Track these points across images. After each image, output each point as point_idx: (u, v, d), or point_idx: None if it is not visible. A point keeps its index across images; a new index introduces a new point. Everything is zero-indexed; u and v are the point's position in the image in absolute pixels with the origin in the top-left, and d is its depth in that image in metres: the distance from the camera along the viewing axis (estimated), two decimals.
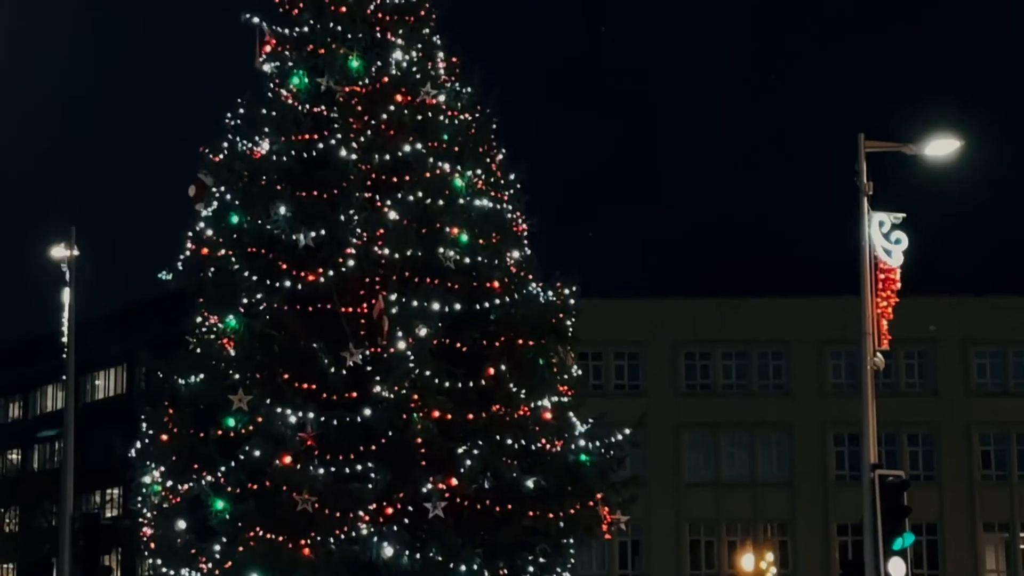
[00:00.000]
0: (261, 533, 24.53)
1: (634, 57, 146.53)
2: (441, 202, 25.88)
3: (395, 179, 26.21)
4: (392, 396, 24.54)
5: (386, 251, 25.59)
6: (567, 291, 26.64)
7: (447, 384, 25.01)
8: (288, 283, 25.59)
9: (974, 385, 71.62)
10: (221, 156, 26.76)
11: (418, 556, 24.57)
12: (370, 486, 24.62)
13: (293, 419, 24.69)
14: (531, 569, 25.53)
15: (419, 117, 26.69)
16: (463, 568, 24.59)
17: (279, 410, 24.69)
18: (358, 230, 25.56)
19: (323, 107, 26.70)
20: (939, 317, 68.87)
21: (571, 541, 25.91)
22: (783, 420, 70.43)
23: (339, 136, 26.19)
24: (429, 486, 24.46)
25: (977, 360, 71.86)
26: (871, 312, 27.47)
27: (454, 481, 24.61)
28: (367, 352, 25.04)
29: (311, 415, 24.76)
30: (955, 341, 70.86)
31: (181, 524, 25.22)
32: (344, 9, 27.13)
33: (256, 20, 27.49)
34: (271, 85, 27.30)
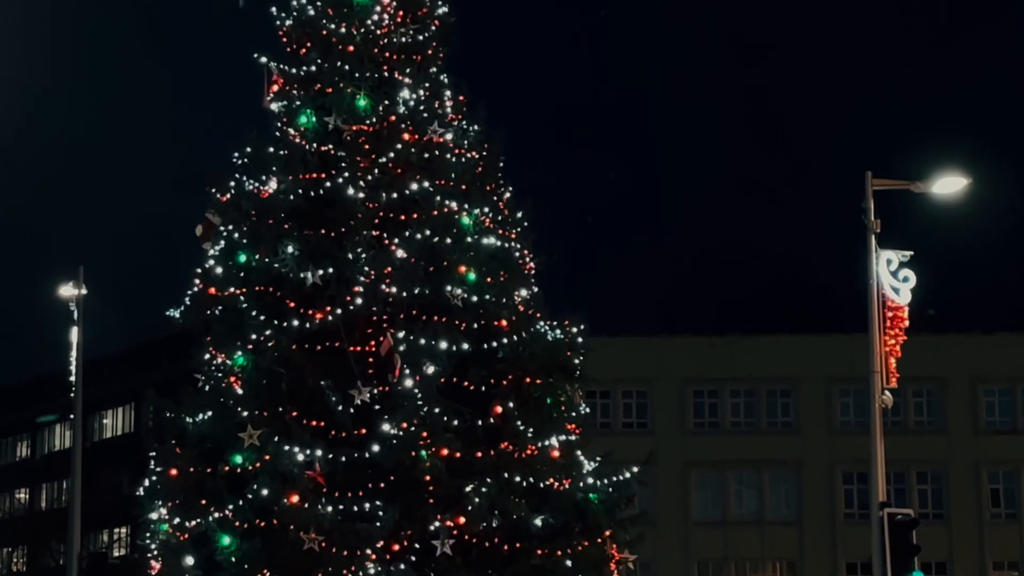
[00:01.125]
0: (268, 571, 24.49)
1: (636, 95, 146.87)
2: (449, 240, 25.91)
3: (403, 217, 26.26)
4: (400, 434, 24.51)
5: (394, 289, 25.61)
6: (575, 329, 26.64)
7: (455, 422, 24.99)
8: (296, 321, 25.62)
9: (983, 423, 71.51)
10: (229, 195, 26.82)
11: None
12: (378, 524, 24.56)
13: (301, 457, 24.66)
14: None
15: (426, 155, 26.76)
16: None
17: (287, 448, 24.67)
18: (366, 268, 25.60)
19: (330, 146, 26.76)
20: (947, 355, 68.83)
21: None
22: (791, 458, 70.32)
23: (346, 175, 26.25)
24: (437, 524, 24.42)
25: (986, 398, 71.77)
26: (879, 350, 27.46)
27: (462, 519, 24.57)
28: (375, 390, 25.03)
29: (319, 453, 24.75)
30: (964, 379, 70.80)
31: (189, 560, 25.17)
32: (352, 48, 27.23)
33: (264, 59, 27.61)
34: (279, 124, 27.39)
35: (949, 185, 28.87)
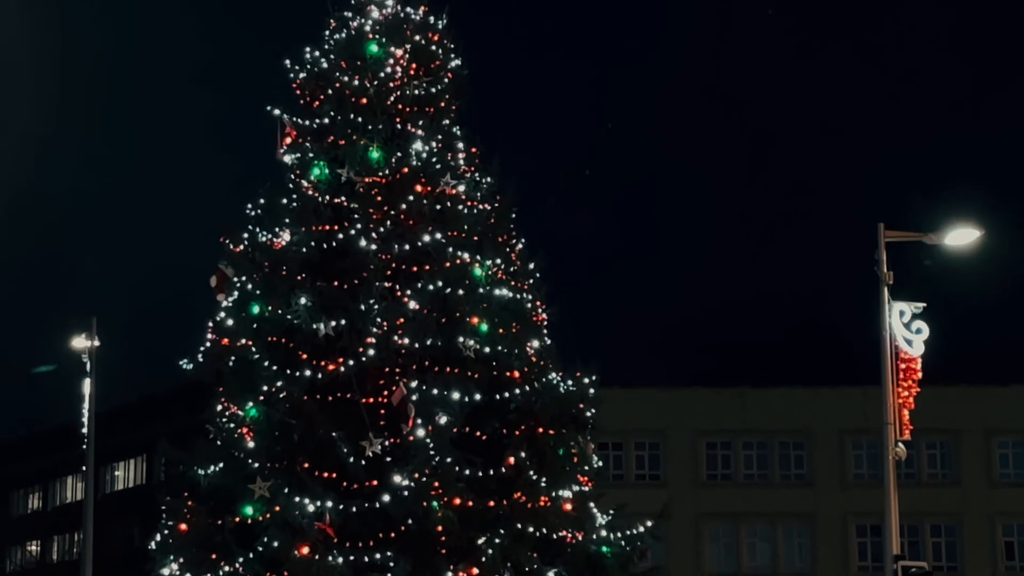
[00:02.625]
0: None
1: (647, 147, 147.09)
2: (461, 291, 25.94)
3: (415, 269, 26.30)
4: (412, 485, 24.48)
5: (406, 340, 25.63)
6: (587, 380, 26.62)
7: (467, 473, 24.95)
8: (308, 372, 25.63)
9: (997, 475, 71.21)
10: (242, 246, 26.90)
11: None
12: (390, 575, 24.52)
13: (311, 508, 24.62)
14: None
15: (439, 207, 26.83)
16: None
17: (297, 499, 24.64)
18: (378, 319, 25.62)
19: (343, 198, 26.84)
20: (961, 407, 68.66)
21: None
22: (805, 511, 70.05)
23: (359, 226, 26.31)
24: (449, 575, 24.36)
25: (1000, 450, 71.48)
26: (892, 402, 27.38)
27: (475, 570, 24.52)
28: (387, 441, 25.02)
29: (330, 504, 24.71)
30: (977, 431, 70.55)
31: None
32: (365, 101, 27.35)
33: (277, 112, 27.74)
34: (292, 176, 27.48)
35: (962, 236, 28.84)
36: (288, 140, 27.69)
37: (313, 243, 26.48)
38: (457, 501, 24.61)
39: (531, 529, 25.17)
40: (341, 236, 26.43)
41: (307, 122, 27.64)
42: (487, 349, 25.88)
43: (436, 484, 24.45)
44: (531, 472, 25.49)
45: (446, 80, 28.16)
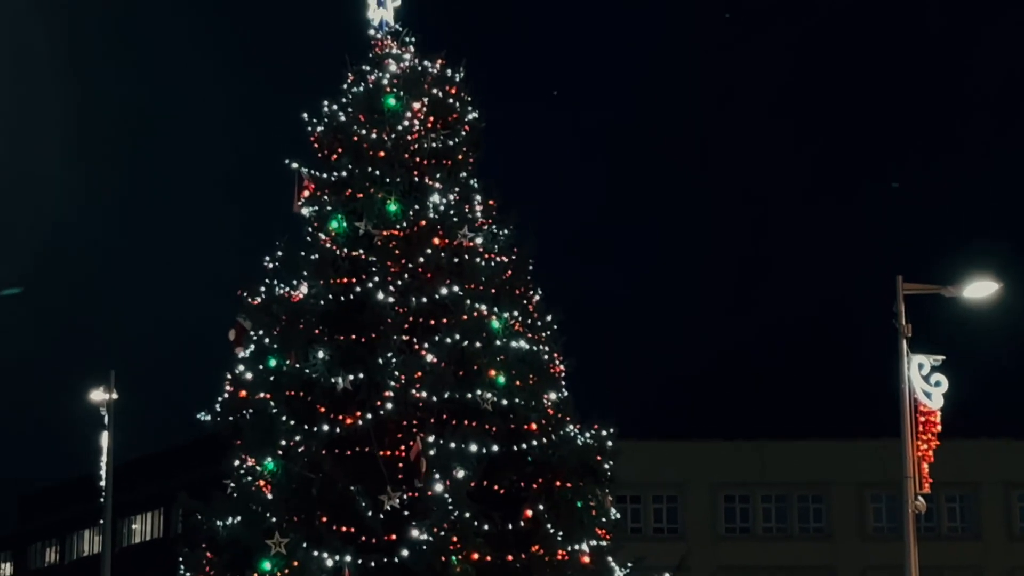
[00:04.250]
0: None
1: (647, 200, 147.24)
2: (478, 344, 25.91)
3: (432, 321, 26.29)
4: (430, 539, 24.40)
5: (424, 394, 25.59)
6: (605, 433, 26.56)
7: (485, 527, 24.87)
8: (326, 426, 25.61)
9: (1017, 529, 70.84)
10: (260, 299, 26.91)
11: None
12: None
13: (330, 563, 24.56)
14: None
15: (456, 260, 26.82)
16: None
17: (316, 554, 24.57)
18: (396, 373, 25.59)
19: (361, 251, 26.86)
20: (980, 460, 68.40)
21: None
22: (824, 564, 69.70)
23: (377, 279, 26.32)
24: None
25: (1020, 504, 71.15)
26: (912, 455, 27.30)
27: None
28: (405, 495, 24.96)
29: (348, 558, 24.64)
30: (997, 485, 70.26)
31: None
32: (382, 153, 27.41)
33: (295, 164, 27.81)
34: (309, 229, 27.53)
35: (980, 289, 28.81)
36: (306, 193, 27.76)
37: (331, 296, 26.50)
38: (475, 556, 24.52)
39: None
40: (359, 289, 26.44)
41: (325, 175, 27.71)
42: (504, 401, 25.83)
43: (454, 539, 24.38)
44: (549, 525, 25.40)
45: (463, 132, 28.23)
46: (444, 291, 26.30)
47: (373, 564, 24.72)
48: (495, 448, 25.47)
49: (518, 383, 26.06)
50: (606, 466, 26.47)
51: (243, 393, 26.14)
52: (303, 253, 27.16)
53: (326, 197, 27.45)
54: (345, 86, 28.45)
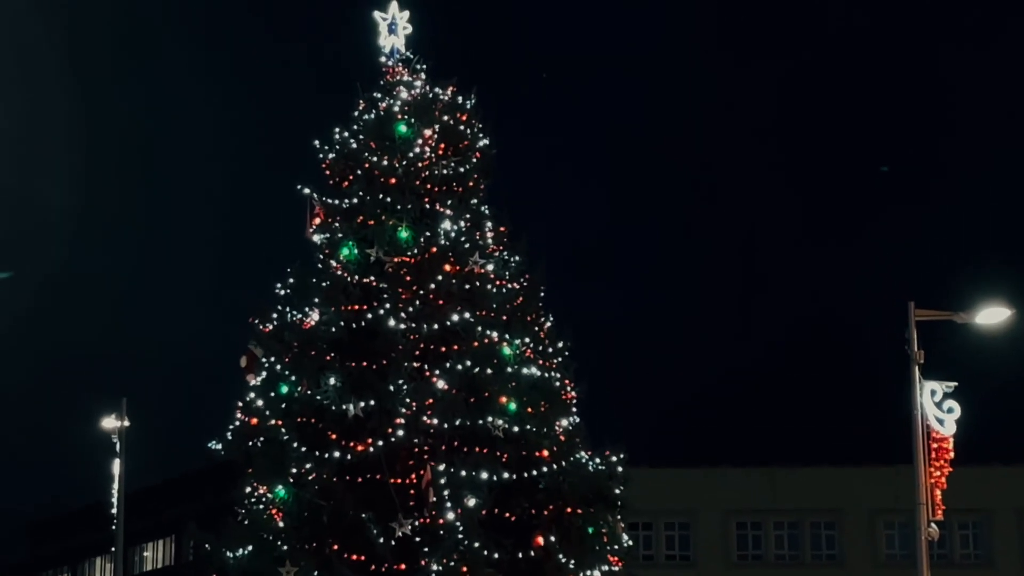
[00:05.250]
0: None
1: (654, 227, 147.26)
2: (489, 371, 25.89)
3: (443, 348, 26.28)
4: (441, 568, 24.35)
5: (435, 420, 25.57)
6: (616, 459, 26.52)
7: (496, 555, 24.81)
8: (337, 453, 25.58)
9: None
10: (271, 326, 26.92)
11: None
12: None
13: None
14: None
15: (467, 286, 26.83)
16: None
17: None
18: (407, 400, 25.57)
19: (372, 277, 26.88)
20: (993, 487, 68.21)
21: None
22: None
23: (388, 306, 26.32)
24: None
25: None
26: (924, 481, 27.21)
27: None
28: (416, 522, 24.91)
29: None
30: (1010, 511, 70.03)
31: None
32: (394, 180, 27.44)
33: (307, 191, 27.85)
34: (321, 256, 27.55)
35: (993, 315, 28.74)
36: (317, 220, 27.79)
37: (342, 323, 26.50)
38: None
39: None
40: (370, 316, 26.44)
41: (336, 202, 27.74)
42: (516, 428, 25.81)
43: (465, 568, 24.33)
44: (560, 553, 25.35)
45: (474, 159, 28.26)
46: (455, 318, 26.29)
47: None
48: (506, 475, 25.44)
49: (529, 410, 26.03)
50: (617, 492, 26.43)
51: (254, 421, 26.14)
52: (315, 280, 27.17)
53: (337, 224, 27.49)
54: (356, 113, 28.51)
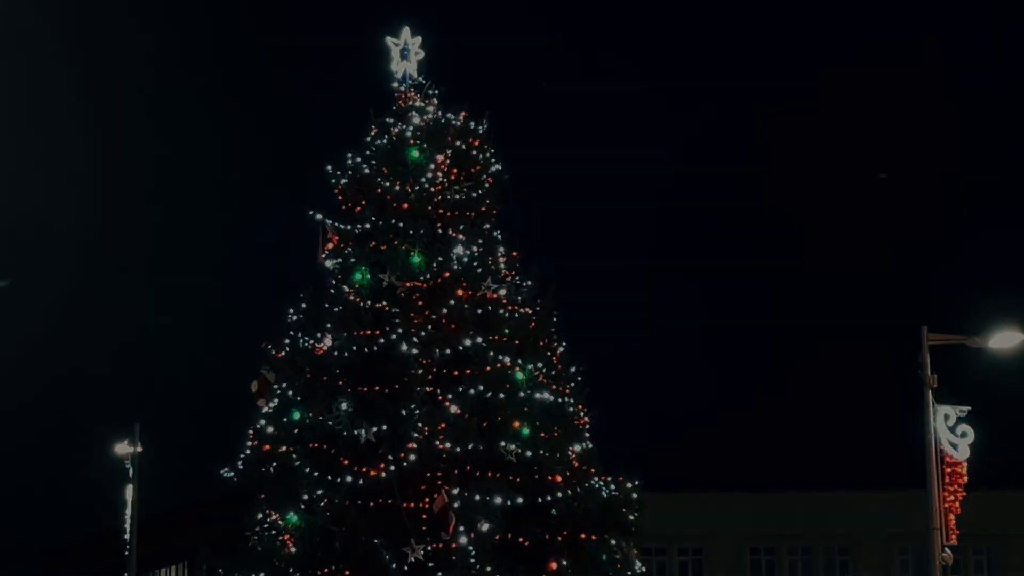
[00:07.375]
0: None
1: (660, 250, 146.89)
2: (502, 395, 25.84)
3: (456, 373, 26.24)
4: None
5: (447, 445, 25.52)
6: (630, 485, 26.45)
7: None
8: (349, 479, 25.53)
9: None
10: (283, 352, 26.89)
11: None
12: None
13: None
14: None
15: (480, 311, 26.79)
16: None
17: None
18: (420, 424, 25.53)
19: (385, 302, 26.83)
20: (1007, 512, 68.01)
21: None
22: None
23: (400, 331, 26.28)
24: None
25: None
26: (939, 506, 27.13)
27: None
28: (429, 547, 24.85)
29: None
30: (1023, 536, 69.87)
31: None
32: (406, 206, 27.43)
33: (319, 217, 27.84)
34: (333, 281, 27.54)
35: (1006, 340, 28.68)
36: (330, 245, 27.79)
37: (354, 348, 26.46)
38: None
39: None
40: (382, 341, 26.40)
41: (349, 227, 27.73)
42: (529, 453, 25.74)
43: None
44: None
45: (487, 185, 28.25)
46: (468, 342, 26.25)
47: None
48: (519, 500, 25.37)
49: (542, 435, 25.98)
50: (631, 518, 26.35)
51: (266, 447, 26.10)
52: (327, 305, 27.15)
53: (350, 249, 27.48)
54: (369, 138, 28.52)
